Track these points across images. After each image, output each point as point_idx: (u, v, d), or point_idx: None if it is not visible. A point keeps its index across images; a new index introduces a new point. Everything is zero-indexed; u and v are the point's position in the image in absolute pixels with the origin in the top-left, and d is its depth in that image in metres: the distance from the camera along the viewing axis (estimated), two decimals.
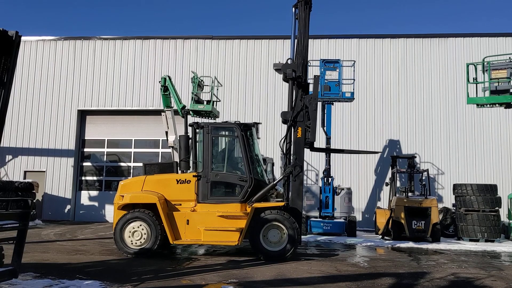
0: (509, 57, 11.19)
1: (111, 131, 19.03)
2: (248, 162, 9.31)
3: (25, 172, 18.65)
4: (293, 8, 10.12)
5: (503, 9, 51.09)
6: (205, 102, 14.50)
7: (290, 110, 9.60)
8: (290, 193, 9.32)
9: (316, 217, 13.79)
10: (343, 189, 14.32)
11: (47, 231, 13.71)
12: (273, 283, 6.93)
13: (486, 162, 17.23)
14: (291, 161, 9.43)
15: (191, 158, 10.09)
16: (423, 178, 13.80)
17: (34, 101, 18.98)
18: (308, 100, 9.48)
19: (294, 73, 9.58)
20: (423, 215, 12.61)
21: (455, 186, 13.87)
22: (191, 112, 14.17)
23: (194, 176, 9.44)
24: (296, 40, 9.96)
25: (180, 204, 9.42)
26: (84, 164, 19.13)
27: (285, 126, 17.31)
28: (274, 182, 9.86)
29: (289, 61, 9.82)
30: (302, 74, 9.65)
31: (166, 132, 14.22)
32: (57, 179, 18.55)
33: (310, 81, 10.25)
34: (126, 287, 6.46)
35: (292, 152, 9.47)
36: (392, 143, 17.57)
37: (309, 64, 13.35)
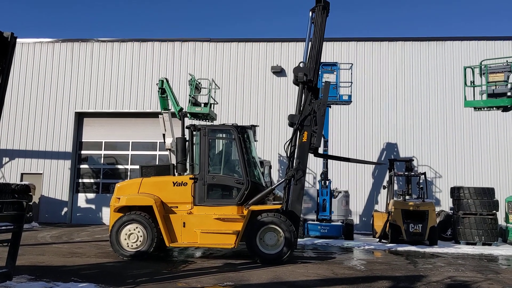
0: (506, 61, 11.20)
1: (108, 134, 19.00)
2: (245, 164, 9.30)
3: (21, 174, 18.59)
4: (310, 12, 10.08)
5: (501, 11, 51.30)
6: (202, 105, 14.52)
7: (298, 113, 9.53)
8: (290, 196, 9.26)
9: (314, 220, 13.76)
10: (340, 192, 14.27)
11: (44, 234, 13.66)
12: (269, 286, 6.91)
13: (483, 165, 17.23)
14: (294, 164, 9.37)
15: (188, 160, 10.07)
16: (421, 181, 13.79)
17: (31, 103, 18.93)
18: (317, 105, 9.41)
19: (305, 76, 9.50)
20: (420, 218, 12.60)
21: (453, 190, 13.87)
22: (188, 114, 14.19)
23: (190, 178, 9.42)
24: (310, 43, 9.90)
25: (177, 207, 9.39)
26: (81, 166, 19.07)
27: (282, 130, 17.63)
28: (273, 187, 9.85)
29: (301, 65, 9.74)
30: (313, 79, 9.59)
31: (164, 135, 14.24)
32: (54, 181, 18.50)
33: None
34: None
35: (295, 156, 9.41)
36: (389, 146, 17.58)
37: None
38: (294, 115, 9.59)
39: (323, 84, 10.03)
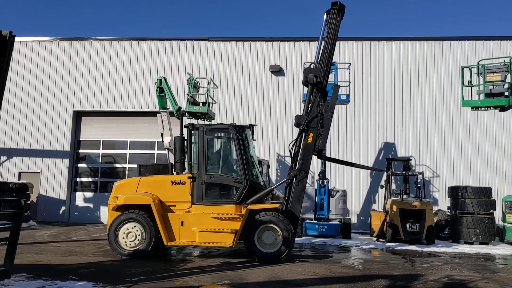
0: (504, 61, 11.23)
1: (106, 132, 18.98)
2: (243, 163, 9.31)
3: (19, 173, 18.56)
4: (325, 14, 10.01)
5: (499, 12, 51.39)
6: (200, 104, 14.53)
7: (305, 114, 9.49)
8: (290, 196, 9.21)
9: (311, 219, 13.78)
10: (338, 191, 14.31)
11: (41, 233, 13.65)
12: (267, 285, 6.92)
13: (481, 165, 17.28)
14: (297, 165, 9.35)
15: (186, 159, 10.08)
16: (418, 180, 13.81)
17: (29, 102, 18.91)
18: (325, 108, 9.38)
19: (315, 78, 9.46)
20: (418, 217, 12.62)
21: (450, 189, 13.90)
22: (186, 113, 14.20)
23: (189, 177, 9.44)
24: (321, 45, 9.84)
25: (175, 206, 9.41)
26: (79, 165, 19.05)
27: (280, 129, 17.67)
28: (272, 187, 9.87)
29: (311, 66, 9.71)
30: (323, 81, 9.55)
31: (162, 134, 14.23)
32: (52, 180, 18.48)
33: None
34: None
35: (299, 157, 9.37)
36: (387, 146, 17.61)
37: (304, 66, 13.35)
38: (301, 115, 9.53)
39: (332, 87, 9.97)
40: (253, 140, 10.64)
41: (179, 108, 14.06)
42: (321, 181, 14.19)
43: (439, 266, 9.06)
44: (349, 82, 15.10)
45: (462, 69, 11.94)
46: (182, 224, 9.25)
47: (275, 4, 55.65)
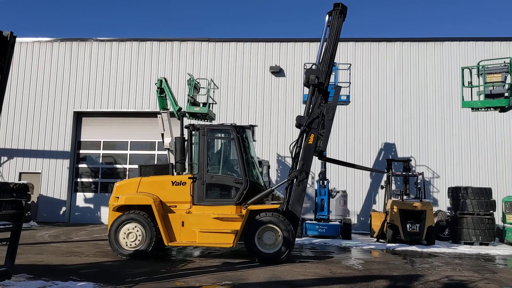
0: (504, 61, 11.24)
1: (107, 133, 18.99)
2: (244, 164, 9.33)
3: (20, 173, 18.57)
4: (327, 15, 10.01)
5: (500, 13, 51.40)
6: (201, 105, 14.55)
7: (306, 115, 9.50)
8: (291, 197, 9.21)
9: (312, 220, 13.79)
10: (338, 192, 14.32)
11: (42, 233, 13.66)
12: (267, 285, 6.93)
13: (481, 165, 17.28)
14: (298, 166, 9.34)
15: (186, 160, 10.09)
16: (418, 181, 13.82)
17: (30, 103, 18.92)
18: (326, 109, 9.39)
19: (317, 79, 9.47)
20: (418, 218, 12.63)
21: (450, 190, 13.91)
22: (187, 114, 14.21)
23: (189, 178, 9.45)
24: (323, 46, 9.83)
25: (176, 206, 9.42)
26: (80, 166, 19.07)
27: (281, 130, 17.67)
28: (272, 188, 9.89)
29: (313, 67, 9.71)
30: (324, 82, 9.56)
31: (162, 134, 14.26)
32: (52, 180, 18.49)
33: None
34: None
35: (300, 158, 9.37)
36: (387, 146, 17.61)
37: (305, 67, 13.39)
38: (302, 116, 9.53)
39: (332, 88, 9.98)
40: (254, 140, 10.65)
41: (180, 108, 14.08)
42: (321, 181, 14.19)
43: (439, 266, 9.07)
44: (349, 82, 15.12)
45: (462, 70, 11.96)
46: (183, 224, 9.27)
47: (275, 4, 55.69)
